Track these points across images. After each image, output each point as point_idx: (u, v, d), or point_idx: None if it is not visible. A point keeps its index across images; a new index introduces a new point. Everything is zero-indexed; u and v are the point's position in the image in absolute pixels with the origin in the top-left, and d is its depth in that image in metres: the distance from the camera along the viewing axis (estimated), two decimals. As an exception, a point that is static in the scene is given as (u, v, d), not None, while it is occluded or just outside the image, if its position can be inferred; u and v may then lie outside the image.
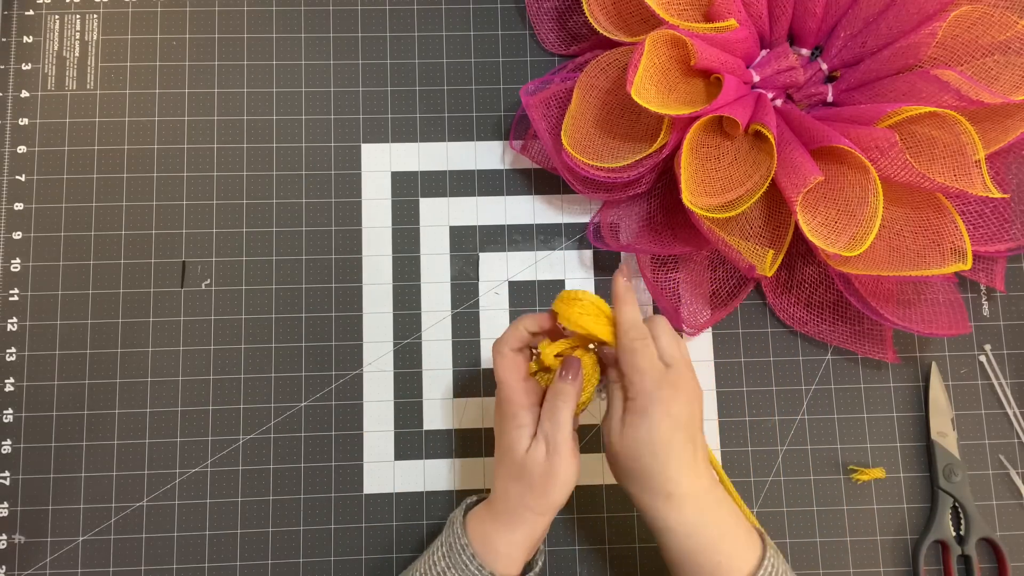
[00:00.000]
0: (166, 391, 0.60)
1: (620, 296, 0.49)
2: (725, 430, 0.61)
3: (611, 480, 0.60)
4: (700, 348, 0.62)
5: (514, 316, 0.62)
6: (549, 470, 0.46)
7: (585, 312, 0.49)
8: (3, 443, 0.59)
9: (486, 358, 0.62)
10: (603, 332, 0.49)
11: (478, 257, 0.63)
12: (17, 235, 0.62)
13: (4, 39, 0.64)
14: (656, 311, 0.62)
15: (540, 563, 0.50)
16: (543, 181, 0.64)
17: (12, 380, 0.60)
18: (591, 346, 0.51)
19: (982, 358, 0.62)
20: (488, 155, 0.64)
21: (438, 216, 0.63)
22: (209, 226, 0.62)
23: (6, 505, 0.58)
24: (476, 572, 0.46)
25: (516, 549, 0.47)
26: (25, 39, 0.64)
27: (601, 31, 0.59)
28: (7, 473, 0.59)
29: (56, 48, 0.64)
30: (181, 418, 0.60)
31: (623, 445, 0.47)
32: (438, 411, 0.61)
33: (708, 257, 0.62)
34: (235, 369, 0.61)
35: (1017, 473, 0.60)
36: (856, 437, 0.61)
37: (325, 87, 0.64)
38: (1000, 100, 0.54)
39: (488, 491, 0.51)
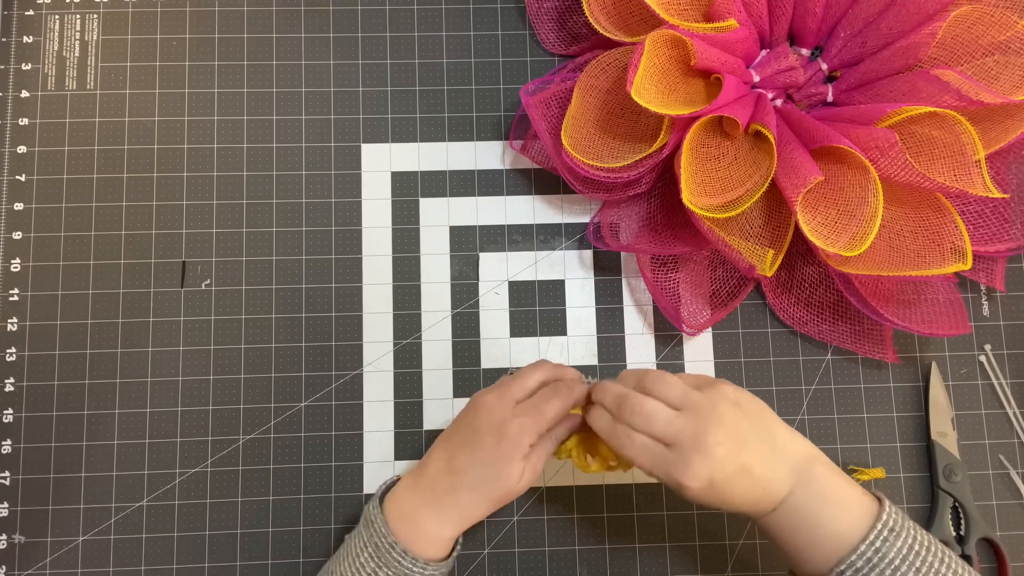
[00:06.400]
0: (166, 391, 0.60)
1: (600, 394, 0.49)
2: (725, 430, 0.61)
3: (611, 480, 0.60)
4: (700, 348, 0.62)
5: (514, 316, 0.62)
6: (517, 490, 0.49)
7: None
8: (3, 443, 0.59)
9: (486, 358, 0.61)
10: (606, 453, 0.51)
11: (478, 257, 0.63)
12: (17, 235, 0.62)
13: (4, 39, 0.64)
14: (656, 311, 0.62)
15: (460, 540, 0.51)
16: (543, 181, 0.64)
17: (12, 380, 0.60)
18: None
19: (982, 358, 0.62)
20: (488, 155, 0.64)
21: (438, 216, 0.63)
22: (209, 226, 0.62)
23: (6, 505, 0.58)
24: (411, 565, 0.47)
25: (448, 528, 0.49)
26: (25, 39, 0.64)
27: (601, 31, 0.59)
28: (7, 473, 0.59)
29: (56, 48, 0.64)
30: (181, 418, 0.60)
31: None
32: (438, 411, 0.61)
33: (708, 257, 0.62)
34: (235, 369, 0.61)
35: (1017, 473, 0.60)
36: (856, 437, 0.61)
37: (325, 87, 0.64)
38: (1000, 100, 0.54)
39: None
